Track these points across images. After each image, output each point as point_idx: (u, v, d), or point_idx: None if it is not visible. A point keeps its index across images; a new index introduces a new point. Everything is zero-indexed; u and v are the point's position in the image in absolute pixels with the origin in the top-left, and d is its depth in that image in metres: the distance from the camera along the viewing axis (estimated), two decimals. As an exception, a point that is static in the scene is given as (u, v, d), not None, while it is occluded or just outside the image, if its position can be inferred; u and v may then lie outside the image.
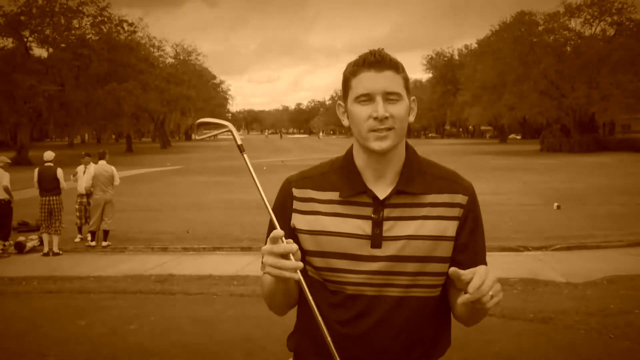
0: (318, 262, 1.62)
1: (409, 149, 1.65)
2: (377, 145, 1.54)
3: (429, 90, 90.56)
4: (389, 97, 1.53)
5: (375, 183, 1.60)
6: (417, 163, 1.64)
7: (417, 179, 1.61)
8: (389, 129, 1.53)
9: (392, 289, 1.57)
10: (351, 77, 1.57)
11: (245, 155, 1.53)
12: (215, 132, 1.61)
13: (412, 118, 1.62)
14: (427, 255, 1.57)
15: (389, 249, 1.57)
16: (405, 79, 1.58)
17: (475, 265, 1.59)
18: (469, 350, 4.71)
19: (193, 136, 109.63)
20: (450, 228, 1.60)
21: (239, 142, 1.55)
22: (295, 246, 1.44)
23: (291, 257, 1.44)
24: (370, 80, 1.53)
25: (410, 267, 1.57)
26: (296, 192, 1.67)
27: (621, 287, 7.45)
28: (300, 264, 1.44)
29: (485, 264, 1.64)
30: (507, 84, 51.38)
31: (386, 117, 1.52)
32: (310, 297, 1.50)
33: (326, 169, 1.69)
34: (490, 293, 1.39)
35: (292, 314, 1.76)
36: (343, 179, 1.62)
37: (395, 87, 1.54)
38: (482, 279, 1.39)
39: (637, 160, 35.28)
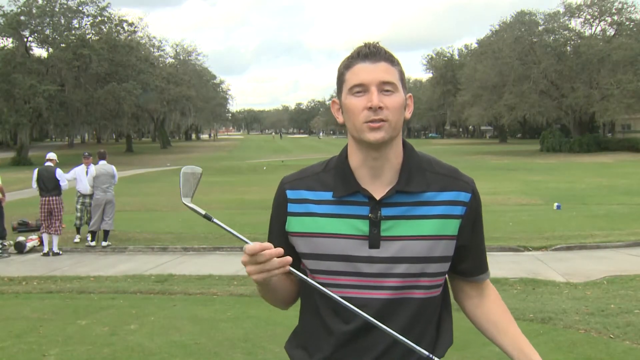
0: (314, 264, 1.59)
1: (406, 146, 1.61)
2: (371, 136, 1.48)
3: (429, 90, 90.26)
4: (384, 87, 1.49)
5: (372, 182, 1.55)
6: (416, 160, 1.59)
7: (417, 177, 1.56)
8: (383, 120, 1.48)
9: (393, 290, 1.53)
10: (345, 71, 1.54)
11: (215, 220, 1.56)
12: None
13: (408, 114, 1.57)
14: (427, 255, 1.53)
15: (387, 249, 1.53)
16: (401, 72, 1.54)
17: (480, 266, 1.66)
18: (469, 351, 4.70)
19: (193, 136, 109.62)
20: (451, 227, 1.55)
21: (203, 213, 1.58)
22: (279, 250, 1.43)
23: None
24: (364, 71, 1.50)
25: (411, 268, 1.53)
26: (290, 194, 1.63)
27: (621, 287, 7.45)
28: (288, 259, 1.42)
29: (486, 262, 1.69)
30: (507, 84, 51.32)
31: (380, 107, 1.47)
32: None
33: (320, 169, 1.65)
34: None
35: (294, 314, 1.75)
36: (336, 179, 1.58)
37: (391, 77, 1.50)
38: None
39: (637, 160, 35.29)
